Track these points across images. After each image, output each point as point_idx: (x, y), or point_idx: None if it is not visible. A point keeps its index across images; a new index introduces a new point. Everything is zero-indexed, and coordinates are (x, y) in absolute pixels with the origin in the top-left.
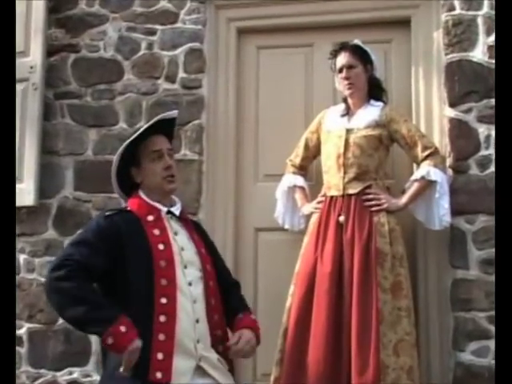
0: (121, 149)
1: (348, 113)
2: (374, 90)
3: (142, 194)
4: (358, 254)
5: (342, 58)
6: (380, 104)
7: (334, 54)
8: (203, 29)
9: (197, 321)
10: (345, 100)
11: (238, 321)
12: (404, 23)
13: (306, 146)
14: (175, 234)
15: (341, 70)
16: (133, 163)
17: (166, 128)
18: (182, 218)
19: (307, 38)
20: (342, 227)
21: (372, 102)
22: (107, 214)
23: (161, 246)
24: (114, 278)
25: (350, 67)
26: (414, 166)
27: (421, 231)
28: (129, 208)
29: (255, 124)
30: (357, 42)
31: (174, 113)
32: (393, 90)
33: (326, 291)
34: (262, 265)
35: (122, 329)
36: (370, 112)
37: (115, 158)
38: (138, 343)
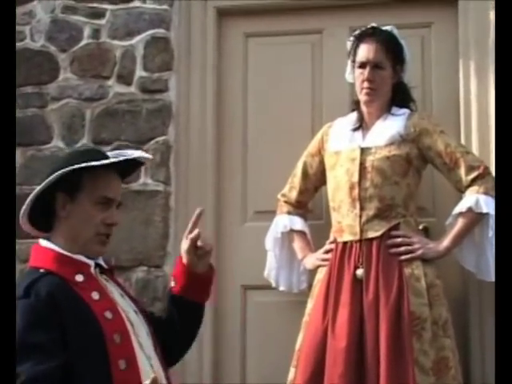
0: (59, 172)
1: (362, 125)
2: (399, 97)
3: (52, 245)
4: (386, 320)
5: (369, 51)
6: (405, 111)
7: (358, 39)
8: (170, 10)
9: None
10: (356, 107)
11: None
12: (448, 0)
13: (305, 174)
14: (111, 293)
15: (362, 66)
16: (65, 188)
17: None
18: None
19: (315, 21)
20: (360, 285)
21: (394, 109)
22: (25, 285)
23: (108, 315)
24: None
25: (376, 66)
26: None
27: (473, 285)
28: (42, 269)
29: (242, 141)
30: (392, 29)
31: (146, 157)
32: (433, 90)
33: (341, 375)
34: (252, 336)
35: None
36: (393, 123)
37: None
38: None
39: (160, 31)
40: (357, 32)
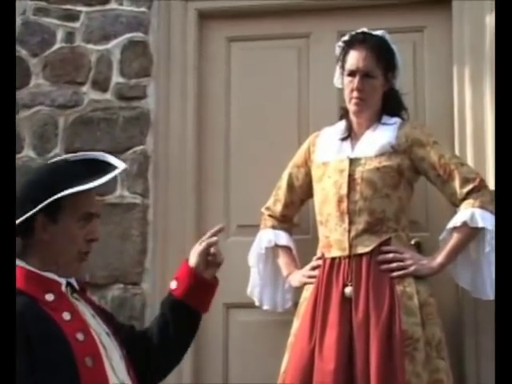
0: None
1: (350, 135)
2: (390, 105)
3: (21, 262)
4: (376, 341)
5: (358, 59)
6: (396, 120)
7: (348, 44)
8: (148, 12)
9: None
10: (345, 115)
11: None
12: (442, 2)
13: (290, 187)
14: (83, 313)
15: (351, 74)
16: (45, 210)
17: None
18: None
19: (301, 25)
20: (350, 303)
21: (385, 118)
22: None
23: (80, 337)
24: None
25: (366, 75)
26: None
27: (468, 304)
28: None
29: (225, 151)
30: (384, 34)
31: (120, 167)
32: (425, 99)
33: None
34: (235, 358)
35: None
36: (383, 133)
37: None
38: None
39: (138, 35)
40: (346, 37)
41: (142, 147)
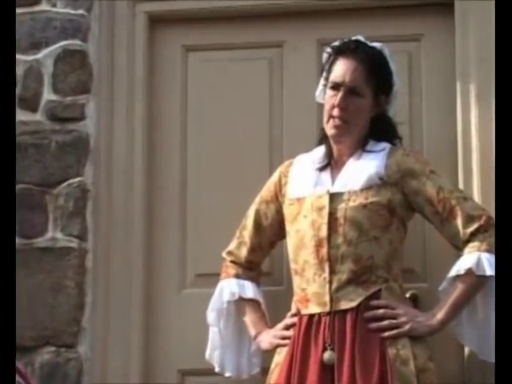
0: None
1: (330, 163)
2: (378, 131)
3: None
4: None
5: (346, 70)
6: (385, 146)
7: (337, 52)
8: (88, 15)
9: None
10: (324, 139)
11: None
12: (442, 6)
13: (258, 226)
14: None
15: (335, 87)
16: None
17: None
18: None
19: (273, 32)
20: (331, 370)
21: (371, 144)
22: None
23: None
24: None
25: (352, 91)
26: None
27: (474, 368)
28: None
29: (181, 185)
30: (382, 48)
31: None
32: (423, 122)
33: None
34: None
35: None
36: (370, 162)
37: None
38: None
39: (75, 42)
40: (336, 43)
41: (79, 179)
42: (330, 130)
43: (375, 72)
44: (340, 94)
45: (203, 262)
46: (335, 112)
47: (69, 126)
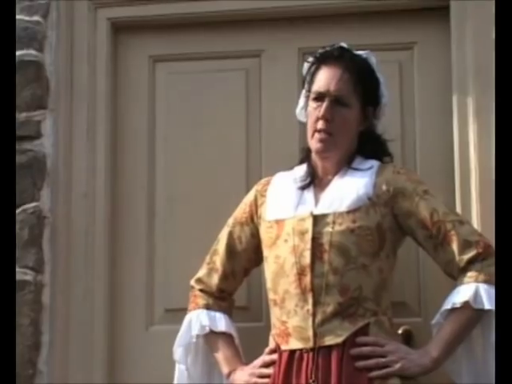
0: None
1: (313, 182)
2: (367, 148)
3: None
4: None
5: (331, 79)
6: (373, 164)
7: (320, 60)
8: (44, 22)
9: None
10: (306, 158)
11: None
12: (437, 12)
13: (231, 251)
14: None
15: (319, 98)
16: None
17: None
18: None
19: (251, 40)
20: None
21: (358, 161)
22: None
23: None
24: None
25: (337, 101)
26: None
27: None
28: None
29: (148, 209)
30: (369, 56)
31: None
32: (416, 139)
33: None
34: None
35: None
36: (357, 180)
37: None
38: None
39: (29, 52)
40: (319, 52)
41: (34, 204)
42: (315, 145)
43: (362, 80)
44: (324, 105)
45: (173, 296)
46: (320, 125)
47: (23, 146)
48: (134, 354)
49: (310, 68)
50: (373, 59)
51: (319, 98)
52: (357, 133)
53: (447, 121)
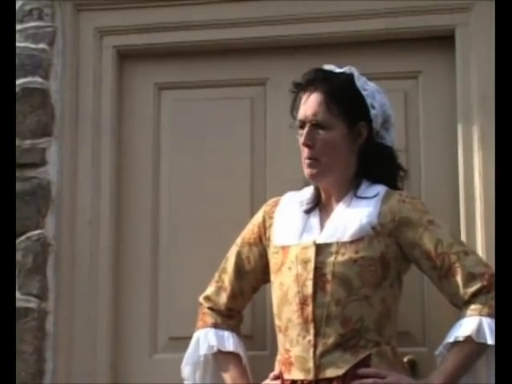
0: None
1: (318, 206)
2: (375, 170)
3: None
4: None
5: (308, 104)
6: (379, 190)
7: (297, 87)
8: (50, 50)
9: None
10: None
11: None
12: (442, 41)
13: (239, 270)
14: None
15: (302, 126)
16: None
17: None
18: None
19: (256, 68)
20: None
21: (363, 187)
22: None
23: None
24: None
25: (316, 125)
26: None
27: None
28: None
29: (152, 238)
30: (349, 69)
31: None
32: (421, 166)
33: None
34: None
35: None
36: (361, 210)
37: None
38: None
39: (35, 80)
40: (297, 80)
41: (39, 232)
42: (305, 173)
43: (339, 98)
44: (304, 132)
45: (177, 324)
46: (305, 152)
47: (28, 173)
48: (137, 382)
49: (295, 98)
50: (354, 72)
51: (302, 126)
52: (351, 151)
53: (452, 149)
